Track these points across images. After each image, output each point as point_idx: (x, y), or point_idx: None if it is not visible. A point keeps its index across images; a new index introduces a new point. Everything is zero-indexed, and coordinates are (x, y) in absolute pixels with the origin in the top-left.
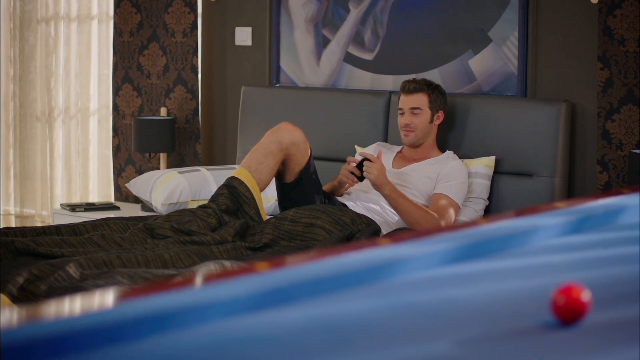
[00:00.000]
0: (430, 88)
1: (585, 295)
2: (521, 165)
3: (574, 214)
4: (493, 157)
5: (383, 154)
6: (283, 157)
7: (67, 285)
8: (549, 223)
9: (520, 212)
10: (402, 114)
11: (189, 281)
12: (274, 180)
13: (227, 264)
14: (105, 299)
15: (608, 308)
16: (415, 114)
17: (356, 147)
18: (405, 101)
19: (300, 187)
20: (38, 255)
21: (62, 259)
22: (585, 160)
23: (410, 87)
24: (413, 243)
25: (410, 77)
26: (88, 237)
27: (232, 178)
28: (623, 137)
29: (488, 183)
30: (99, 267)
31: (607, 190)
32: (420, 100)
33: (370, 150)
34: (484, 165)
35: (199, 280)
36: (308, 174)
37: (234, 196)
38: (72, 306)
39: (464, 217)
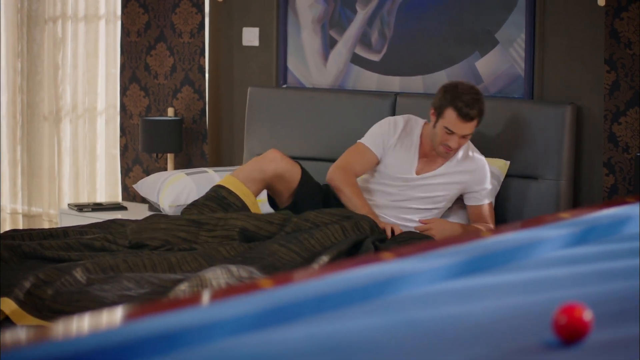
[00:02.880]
0: (482, 114)
1: (587, 315)
2: (527, 167)
3: (578, 225)
4: (508, 162)
5: (404, 138)
6: (266, 186)
7: (73, 290)
8: (553, 235)
9: (525, 224)
10: (451, 134)
11: (194, 300)
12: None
13: (234, 268)
14: (112, 318)
15: (610, 326)
16: (464, 138)
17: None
18: (461, 127)
19: (298, 210)
20: (45, 259)
21: (69, 263)
22: (592, 163)
23: (472, 115)
24: (417, 257)
25: (416, 78)
26: (94, 238)
27: (219, 187)
28: (629, 139)
29: (497, 187)
30: (106, 271)
31: (613, 194)
32: (473, 126)
33: (399, 123)
34: (498, 167)
35: (204, 298)
36: (302, 195)
37: (223, 208)
38: (79, 326)
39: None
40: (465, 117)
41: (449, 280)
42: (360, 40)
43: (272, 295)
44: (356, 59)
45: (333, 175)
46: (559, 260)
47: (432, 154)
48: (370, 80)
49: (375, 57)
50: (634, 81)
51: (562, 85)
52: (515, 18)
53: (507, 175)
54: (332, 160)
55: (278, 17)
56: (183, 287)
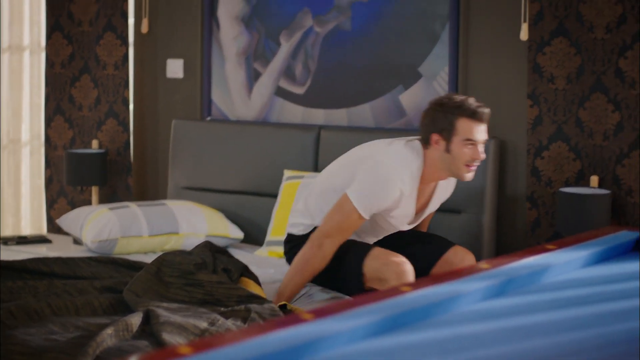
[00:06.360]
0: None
1: None
2: (450, 201)
3: (497, 276)
4: None
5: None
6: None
7: None
8: (472, 287)
9: (445, 276)
10: (473, 145)
11: None
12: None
13: (161, 311)
14: None
15: None
16: (484, 144)
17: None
18: (480, 131)
19: None
20: None
21: None
22: (515, 196)
23: (485, 112)
24: (335, 316)
25: (340, 111)
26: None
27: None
28: (552, 174)
29: None
30: (30, 315)
31: (536, 228)
32: (486, 129)
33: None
34: None
35: None
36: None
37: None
38: None
39: None
40: (480, 117)
41: (368, 340)
42: (284, 73)
43: None
44: (280, 92)
45: (328, 248)
46: (477, 314)
47: (427, 187)
48: (295, 113)
49: (299, 90)
50: (556, 116)
51: None
52: (439, 51)
53: None
54: (257, 194)
55: (202, 49)
56: (110, 331)
